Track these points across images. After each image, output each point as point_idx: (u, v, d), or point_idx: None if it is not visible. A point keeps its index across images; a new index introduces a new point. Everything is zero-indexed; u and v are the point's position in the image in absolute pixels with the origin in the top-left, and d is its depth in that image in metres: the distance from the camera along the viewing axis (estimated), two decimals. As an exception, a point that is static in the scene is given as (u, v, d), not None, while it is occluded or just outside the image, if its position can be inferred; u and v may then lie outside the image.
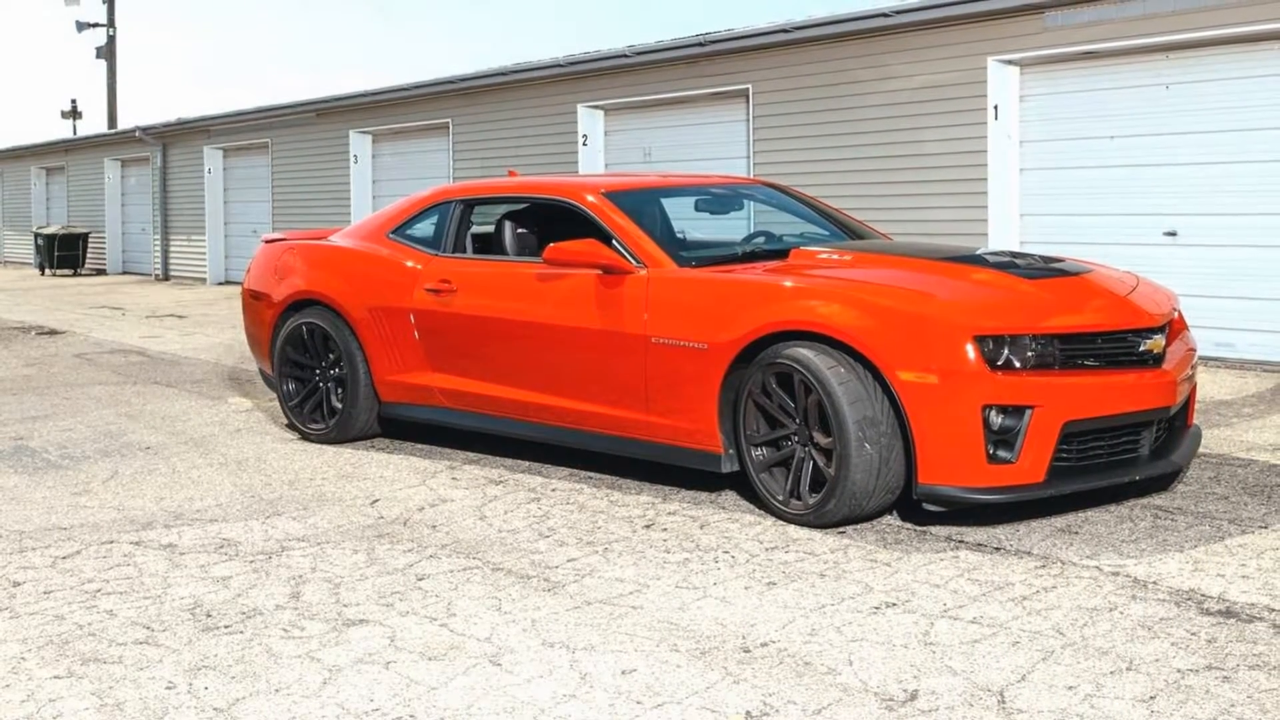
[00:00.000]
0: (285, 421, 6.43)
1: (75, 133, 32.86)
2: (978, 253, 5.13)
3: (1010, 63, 8.99)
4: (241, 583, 3.79)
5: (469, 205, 5.81)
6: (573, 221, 5.34)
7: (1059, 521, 4.26)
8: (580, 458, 5.39)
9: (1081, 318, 4.26)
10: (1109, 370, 4.22)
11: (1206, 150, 8.08)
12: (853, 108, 9.88)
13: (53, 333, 11.67)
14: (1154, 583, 3.59)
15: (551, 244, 4.98)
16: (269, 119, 17.59)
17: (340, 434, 5.91)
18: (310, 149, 16.88)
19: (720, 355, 4.43)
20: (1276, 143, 7.76)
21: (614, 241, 4.96)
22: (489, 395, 5.32)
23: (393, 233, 5.96)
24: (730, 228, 6.18)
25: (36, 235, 22.29)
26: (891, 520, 4.34)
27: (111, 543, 4.28)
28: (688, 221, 6.03)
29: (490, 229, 5.86)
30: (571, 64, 12.35)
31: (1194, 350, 4.77)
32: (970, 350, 4.00)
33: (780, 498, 4.36)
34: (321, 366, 5.98)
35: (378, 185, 16.02)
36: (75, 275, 21.70)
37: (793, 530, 4.25)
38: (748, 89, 10.81)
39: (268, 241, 6.64)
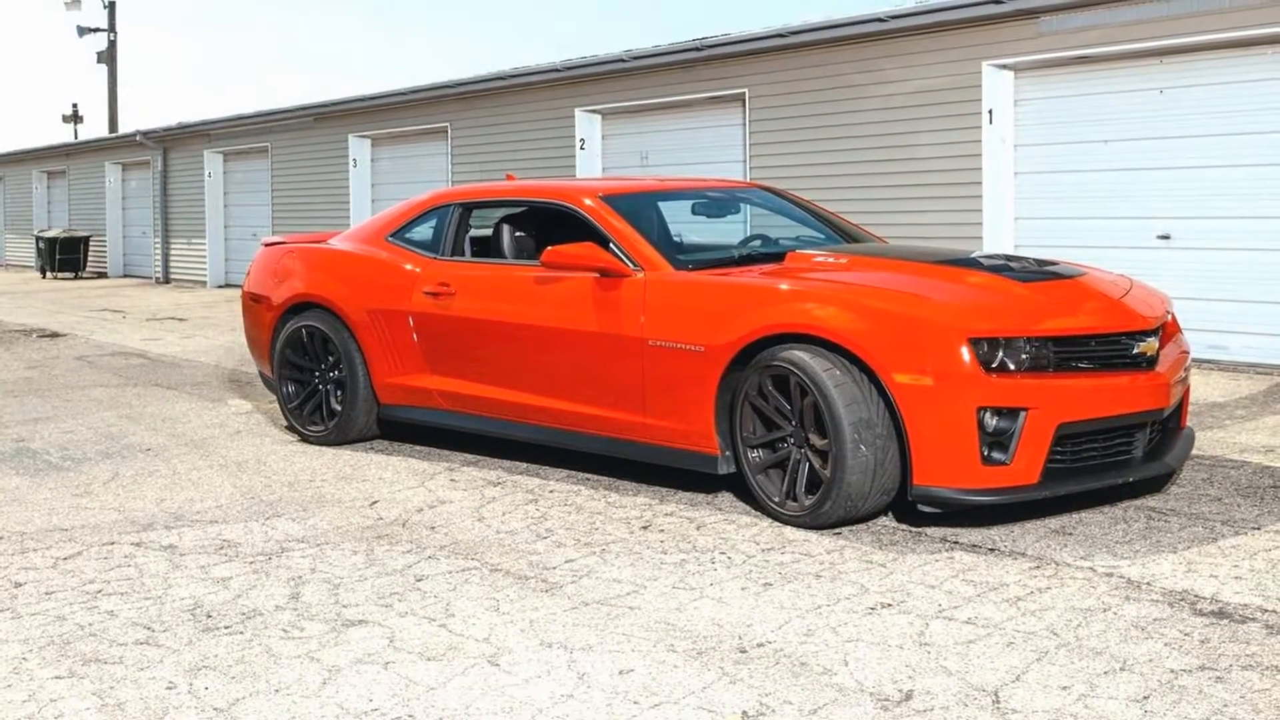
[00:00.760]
0: (285, 423, 6.44)
1: (76, 136, 32.90)
2: (972, 256, 5.14)
3: (1005, 67, 9.02)
4: (241, 583, 3.80)
5: (467, 209, 5.84)
6: (570, 225, 5.35)
7: (1053, 523, 4.28)
8: (578, 459, 5.40)
9: (1075, 320, 4.27)
10: (1103, 373, 4.24)
11: (1200, 154, 8.11)
12: (848, 112, 9.91)
13: (54, 335, 11.68)
14: (1148, 584, 3.60)
15: (549, 247, 4.99)
16: (269, 123, 17.62)
17: (339, 436, 5.92)
18: (310, 153, 16.91)
19: (717, 358, 4.45)
20: (1269, 146, 7.79)
21: (611, 245, 4.98)
22: (487, 397, 5.34)
23: (391, 236, 5.98)
24: (727, 231, 6.19)
25: (38, 239, 22.33)
26: (887, 521, 4.36)
27: (112, 544, 4.29)
28: (684, 225, 6.05)
29: (488, 232, 5.88)
30: (569, 68, 12.38)
31: (1187, 353, 4.79)
32: (965, 353, 4.02)
33: (776, 499, 4.37)
34: (321, 369, 6.00)
35: (377, 189, 16.04)
36: (76, 278, 21.72)
37: (789, 531, 4.27)
38: (744, 93, 10.83)
39: (267, 245, 6.66)
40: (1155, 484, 4.70)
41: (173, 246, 20.41)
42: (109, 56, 28.77)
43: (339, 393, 5.91)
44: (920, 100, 9.39)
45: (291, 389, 6.14)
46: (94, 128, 36.21)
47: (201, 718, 2.80)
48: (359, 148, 16.12)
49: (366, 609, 3.53)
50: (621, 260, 4.89)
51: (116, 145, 22.27)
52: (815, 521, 4.24)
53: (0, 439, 6.33)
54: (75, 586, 3.80)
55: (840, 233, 5.79)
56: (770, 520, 4.41)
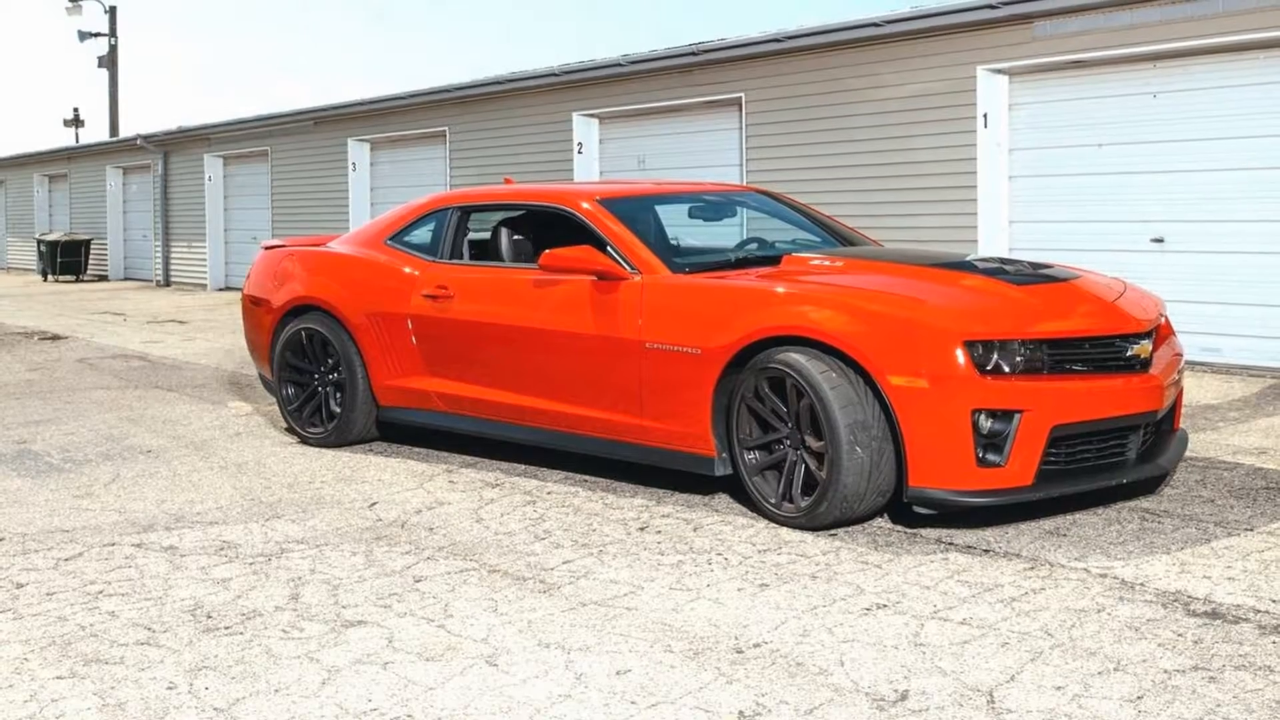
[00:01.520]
0: (284, 426, 6.46)
1: (78, 141, 32.95)
2: (967, 259, 5.14)
3: (999, 72, 9.05)
4: (241, 584, 3.81)
5: (466, 212, 5.85)
6: (568, 228, 5.37)
7: (1047, 524, 4.29)
8: (575, 461, 5.42)
9: (1069, 323, 4.29)
10: (1097, 375, 4.25)
11: (1193, 158, 8.14)
12: (844, 116, 9.94)
13: (55, 338, 11.69)
14: (1141, 584, 3.62)
15: (547, 250, 5.00)
16: (269, 127, 17.65)
17: (339, 438, 5.94)
18: (309, 157, 16.93)
19: (714, 360, 4.46)
20: (1262, 150, 7.82)
21: (609, 248, 5.00)
22: (486, 400, 5.35)
23: (390, 239, 6.00)
24: (723, 234, 6.21)
25: (39, 242, 22.38)
26: (882, 523, 4.37)
27: (113, 545, 4.30)
28: (681, 228, 6.06)
29: (487, 235, 5.90)
30: (567, 73, 12.41)
31: (1180, 355, 4.80)
32: (960, 355, 4.03)
33: (773, 500, 4.39)
34: (320, 371, 6.02)
35: (376, 192, 16.06)
36: (78, 281, 21.77)
37: (785, 532, 4.28)
38: (740, 97, 10.86)
39: (267, 248, 6.67)
40: (1149, 485, 4.71)
41: (173, 250, 20.44)
42: (110, 61, 28.81)
43: (338, 395, 5.93)
44: (915, 104, 9.42)
45: (291, 391, 6.16)
46: (95, 132, 36.24)
47: (202, 718, 2.81)
48: (358, 151, 16.15)
49: (365, 610, 3.54)
50: (619, 263, 4.91)
51: (117, 149, 22.32)
52: (811, 523, 4.25)
53: (2, 441, 6.34)
54: (76, 587, 3.81)
55: (836, 236, 5.81)
56: (766, 521, 4.42)
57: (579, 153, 12.65)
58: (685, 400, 4.57)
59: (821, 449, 4.19)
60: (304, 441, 6.11)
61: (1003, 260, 5.10)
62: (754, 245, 5.65)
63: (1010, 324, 4.17)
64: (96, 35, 28.63)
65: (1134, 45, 8.19)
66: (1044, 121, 8.92)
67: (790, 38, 10.17)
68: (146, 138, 20.41)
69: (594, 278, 4.91)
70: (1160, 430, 4.63)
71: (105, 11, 28.71)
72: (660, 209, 5.77)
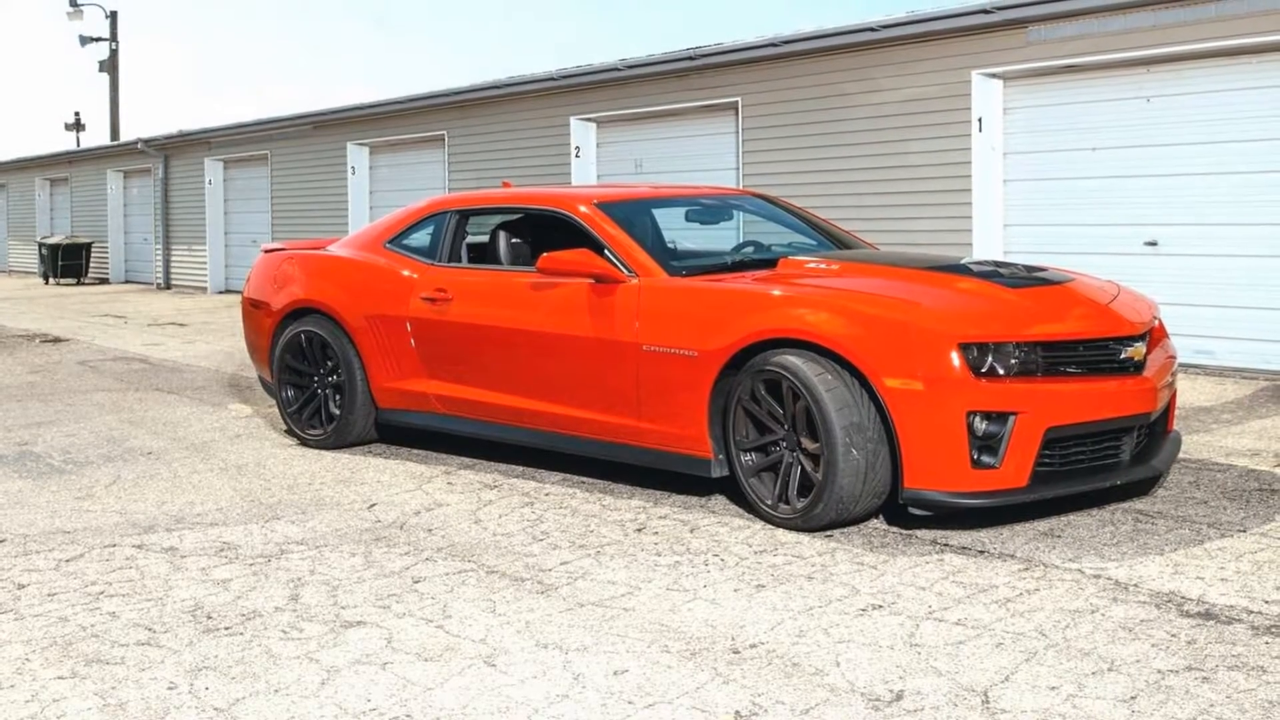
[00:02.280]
0: (284, 427, 6.48)
1: (79, 144, 32.96)
2: (962, 262, 5.16)
3: (994, 76, 9.07)
4: (241, 585, 3.83)
5: (464, 215, 5.87)
6: (566, 231, 5.39)
7: (1042, 525, 4.31)
8: (573, 463, 5.44)
9: (1064, 326, 4.30)
10: (1091, 377, 4.27)
11: (1186, 162, 8.17)
12: (840, 120, 9.96)
13: (57, 340, 11.70)
14: (1135, 585, 3.63)
15: (545, 253, 5.02)
16: (268, 131, 17.68)
17: (338, 440, 5.96)
18: (309, 160, 16.96)
19: (710, 362, 4.48)
20: (1255, 154, 7.85)
21: (606, 251, 5.02)
22: (484, 401, 5.37)
23: (389, 242, 6.02)
24: (720, 238, 6.24)
25: (41, 245, 22.43)
26: (878, 524, 4.39)
27: (114, 546, 4.32)
28: (678, 231, 6.08)
29: (485, 239, 5.91)
30: (564, 77, 12.44)
31: (1174, 357, 4.82)
32: (955, 358, 4.05)
33: (769, 502, 4.41)
34: (320, 374, 6.04)
35: (375, 196, 16.09)
36: (79, 284, 21.81)
37: (781, 534, 4.30)
38: (737, 101, 10.89)
39: (267, 251, 6.69)
40: (1143, 487, 4.73)
41: (174, 253, 20.47)
42: (111, 65, 28.86)
43: (338, 397, 5.95)
44: (911, 108, 9.45)
45: (291, 393, 6.18)
46: (96, 135, 36.28)
47: (202, 718, 2.82)
48: (357, 155, 16.17)
49: (365, 610, 3.55)
50: (616, 266, 4.93)
51: (118, 153, 22.36)
52: (807, 524, 4.27)
53: (4, 442, 6.35)
54: (77, 588, 3.83)
55: (832, 239, 5.83)
56: (763, 523, 4.44)
57: (576, 157, 12.68)
58: (682, 402, 4.59)
59: (817, 451, 4.21)
60: (303, 443, 6.13)
61: (997, 263, 5.12)
62: (750, 248, 5.68)
63: (1005, 326, 4.19)
64: (97, 40, 28.69)
65: (1128, 50, 8.22)
66: (1038, 125, 8.94)
67: (786, 42, 10.19)
68: (147, 141, 20.45)
69: (591, 281, 4.93)
70: (1154, 432, 4.65)
71: (106, 16, 28.77)
72: (657, 212, 5.80)
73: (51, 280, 22.05)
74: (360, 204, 16.14)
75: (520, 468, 5.47)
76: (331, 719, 2.80)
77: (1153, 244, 8.37)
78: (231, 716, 2.83)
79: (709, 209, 6.24)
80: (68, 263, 21.87)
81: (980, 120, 9.10)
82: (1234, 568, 3.79)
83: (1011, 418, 4.04)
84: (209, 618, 3.52)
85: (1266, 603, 3.46)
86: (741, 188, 10.08)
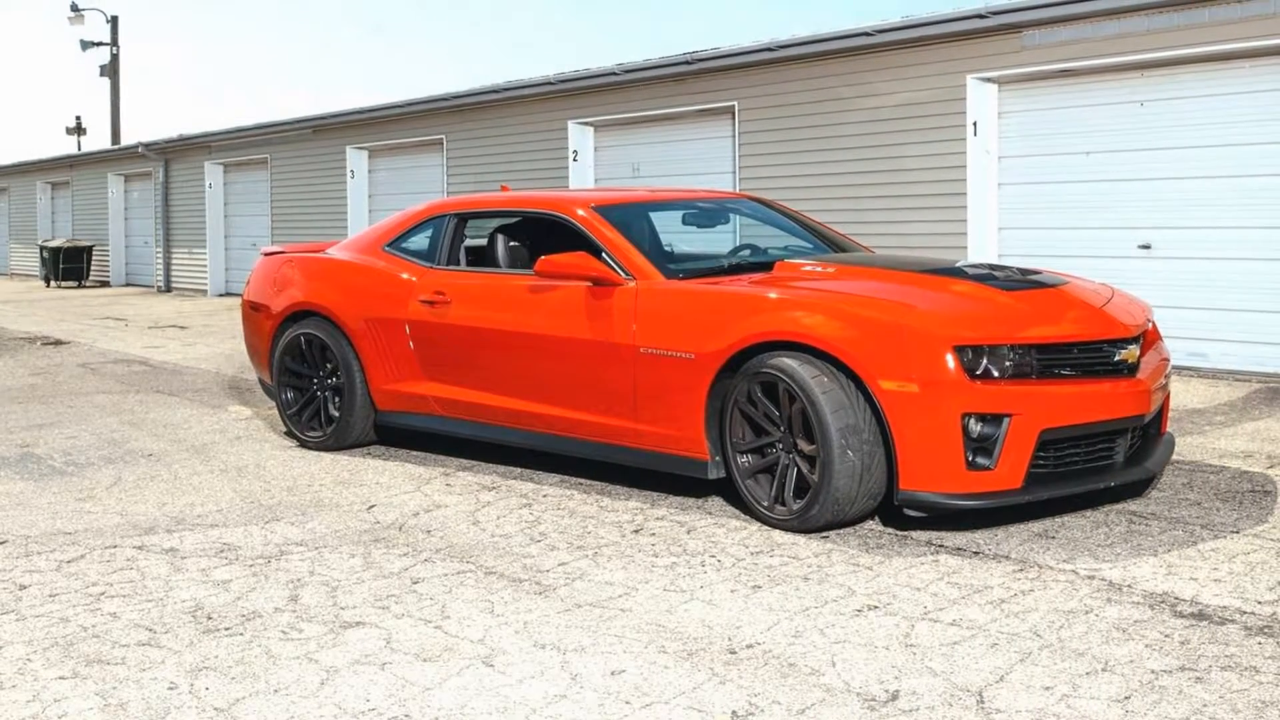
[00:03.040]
0: (284, 429, 6.50)
1: (80, 148, 32.98)
2: (957, 265, 5.16)
3: (989, 80, 9.11)
4: (241, 586, 3.84)
5: (462, 219, 5.90)
6: (563, 235, 5.41)
7: (1036, 526, 4.33)
8: (570, 464, 5.45)
9: (1058, 328, 4.31)
10: (1085, 379, 4.28)
11: (1180, 165, 8.20)
12: (835, 124, 9.99)
13: (58, 343, 11.71)
14: (1129, 586, 3.65)
15: (543, 257, 5.04)
16: (268, 135, 17.72)
17: (337, 441, 5.98)
18: (308, 164, 16.99)
19: (707, 365, 4.49)
20: (1248, 158, 7.88)
21: (603, 254, 5.04)
22: (482, 404, 5.39)
23: (388, 246, 6.04)
24: (716, 241, 6.27)
25: (42, 248, 22.47)
26: (873, 525, 4.41)
27: (115, 547, 4.33)
28: (675, 235, 6.11)
29: (483, 242, 5.93)
30: (562, 82, 12.47)
31: (1167, 360, 4.84)
32: (950, 360, 4.06)
33: (765, 503, 4.42)
34: (319, 376, 6.06)
35: (374, 200, 16.12)
36: (80, 287, 21.86)
37: (777, 535, 4.31)
38: (733, 106, 10.92)
39: (267, 254, 6.71)
40: (1136, 488, 4.75)
41: (174, 256, 20.52)
42: (112, 70, 28.91)
43: (337, 399, 5.97)
44: (906, 112, 9.48)
45: (290, 395, 6.20)
46: (97, 140, 36.34)
47: (202, 718, 2.83)
48: (356, 159, 16.20)
49: (364, 611, 3.56)
50: (613, 269, 4.95)
51: (119, 157, 22.41)
52: (803, 525, 4.29)
53: (5, 444, 6.36)
54: (78, 589, 3.84)
55: (828, 242, 5.84)
56: (759, 524, 4.45)
57: (574, 160, 12.71)
58: (679, 404, 4.61)
59: (813, 452, 4.22)
60: (303, 445, 6.14)
61: (992, 266, 5.13)
62: (747, 251, 5.70)
63: (999, 329, 4.20)
64: (98, 44, 28.75)
65: (1122, 54, 8.25)
66: (1033, 129, 8.98)
67: (782, 47, 10.23)
68: (148, 145, 20.50)
69: (589, 283, 4.95)
70: (1147, 434, 4.67)
71: (107, 21, 28.83)
72: (654, 216, 5.82)
73: (53, 283, 22.10)
74: (359, 207, 16.17)
75: (518, 469, 5.49)
76: (331, 719, 2.81)
77: (1146, 247, 8.41)
78: (231, 716, 2.84)
79: (705, 212, 6.25)
80: (69, 266, 21.92)
81: (975, 124, 9.13)
82: (1227, 569, 3.81)
83: (1006, 420, 4.06)
84: (209, 618, 3.53)
85: (1259, 603, 3.48)
86: (738, 191, 10.10)
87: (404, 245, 5.99)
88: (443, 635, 3.35)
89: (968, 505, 4.11)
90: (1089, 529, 4.29)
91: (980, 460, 4.08)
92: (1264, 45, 7.66)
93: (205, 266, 19.54)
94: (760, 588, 3.72)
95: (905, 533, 4.30)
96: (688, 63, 11.06)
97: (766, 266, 5.08)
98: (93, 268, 22.52)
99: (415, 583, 3.85)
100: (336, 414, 5.96)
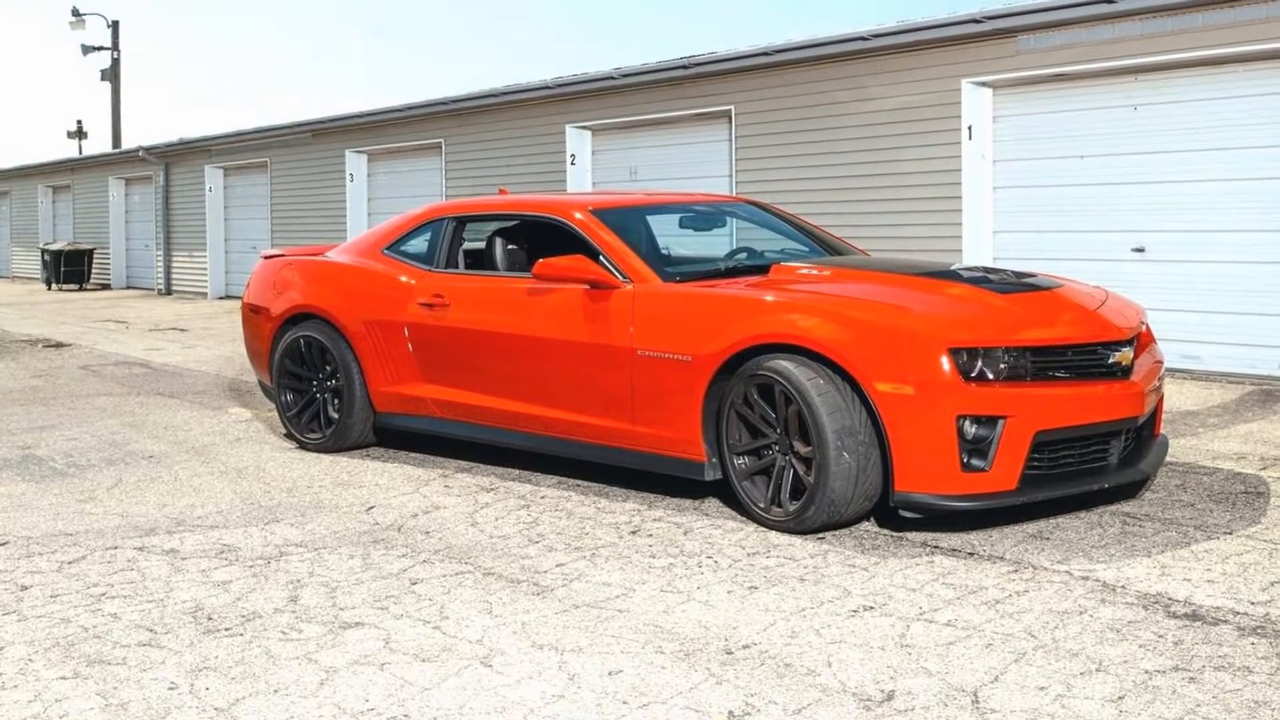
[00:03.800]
0: (284, 431, 6.52)
1: (81, 152, 32.99)
2: (952, 268, 5.17)
3: (984, 85, 9.14)
4: (241, 587, 3.86)
5: (461, 222, 5.92)
6: (561, 238, 5.43)
7: (1030, 527, 4.34)
8: (568, 466, 5.47)
9: (1052, 331, 4.33)
10: (1079, 382, 4.29)
11: (1173, 169, 8.23)
12: (832, 128, 10.02)
13: (59, 345, 11.72)
14: (1122, 587, 3.66)
15: (541, 260, 5.06)
16: (268, 139, 17.74)
17: (337, 443, 6.00)
18: (308, 168, 17.02)
19: (704, 367, 4.51)
20: (1241, 161, 7.91)
21: (601, 257, 5.06)
22: (480, 406, 5.41)
23: (387, 249, 6.06)
24: (713, 244, 6.29)
25: (43, 251, 22.51)
26: (869, 526, 4.42)
27: (116, 548, 4.34)
28: (672, 238, 6.12)
29: (481, 245, 5.95)
30: (560, 86, 12.50)
31: (1161, 362, 4.86)
32: (945, 362, 4.08)
33: (762, 505, 4.44)
34: (319, 378, 6.08)
35: (373, 203, 16.14)
36: (80, 290, 21.90)
37: (774, 536, 4.33)
38: (730, 110, 10.95)
39: (266, 257, 6.74)
40: (1130, 490, 4.77)
41: (174, 259, 20.55)
42: (113, 74, 28.95)
43: (336, 401, 5.99)
44: (902, 116, 9.51)
45: (290, 397, 6.22)
46: (98, 143, 36.35)
47: (202, 717, 2.85)
48: (356, 163, 16.23)
49: (363, 611, 3.58)
50: (611, 272, 4.97)
51: (120, 160, 22.46)
52: (799, 526, 4.30)
53: (7, 446, 6.38)
54: (80, 590, 3.85)
55: (824, 245, 5.86)
56: (755, 525, 4.47)
57: (572, 164, 12.73)
58: (676, 406, 4.62)
59: (809, 454, 4.24)
60: (302, 447, 6.16)
61: (987, 269, 5.13)
62: (743, 255, 5.71)
63: (994, 332, 4.21)
64: (99, 49, 28.79)
65: (1115, 59, 8.29)
66: (1027, 133, 9.01)
67: (779, 51, 10.26)
68: (148, 149, 20.55)
69: (586, 286, 4.97)
70: (1141, 436, 4.68)
71: (108, 26, 28.87)
72: (651, 219, 5.83)
73: (54, 286, 22.14)
74: (359, 211, 16.19)
75: (516, 471, 5.51)
76: (330, 718, 2.83)
77: (1140, 250, 8.44)
78: (231, 716, 2.85)
79: (702, 216, 6.28)
80: (70, 269, 21.97)
81: (970, 128, 9.16)
82: (1220, 569, 3.82)
83: (1001, 421, 4.07)
84: (209, 619, 3.55)
85: (1252, 604, 3.49)
86: (734, 195, 10.13)
87: (403, 248, 6.01)
88: (441, 636, 3.36)
89: (963, 506, 4.13)
90: (1083, 530, 4.30)
91: (975, 462, 4.10)
92: (1256, 50, 7.69)
93: (205, 269, 19.57)
94: (757, 588, 3.73)
95: (901, 534, 4.32)
96: (684, 67, 11.09)
97: (763, 269, 5.10)
98: (94, 271, 22.56)
99: (414, 583, 3.86)
100: (336, 416, 5.98)
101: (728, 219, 6.47)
